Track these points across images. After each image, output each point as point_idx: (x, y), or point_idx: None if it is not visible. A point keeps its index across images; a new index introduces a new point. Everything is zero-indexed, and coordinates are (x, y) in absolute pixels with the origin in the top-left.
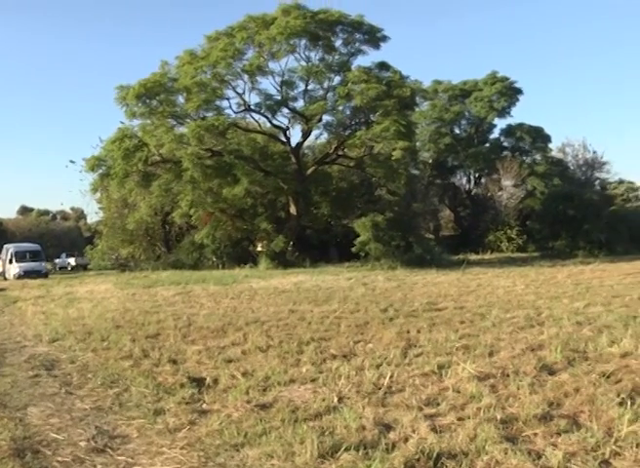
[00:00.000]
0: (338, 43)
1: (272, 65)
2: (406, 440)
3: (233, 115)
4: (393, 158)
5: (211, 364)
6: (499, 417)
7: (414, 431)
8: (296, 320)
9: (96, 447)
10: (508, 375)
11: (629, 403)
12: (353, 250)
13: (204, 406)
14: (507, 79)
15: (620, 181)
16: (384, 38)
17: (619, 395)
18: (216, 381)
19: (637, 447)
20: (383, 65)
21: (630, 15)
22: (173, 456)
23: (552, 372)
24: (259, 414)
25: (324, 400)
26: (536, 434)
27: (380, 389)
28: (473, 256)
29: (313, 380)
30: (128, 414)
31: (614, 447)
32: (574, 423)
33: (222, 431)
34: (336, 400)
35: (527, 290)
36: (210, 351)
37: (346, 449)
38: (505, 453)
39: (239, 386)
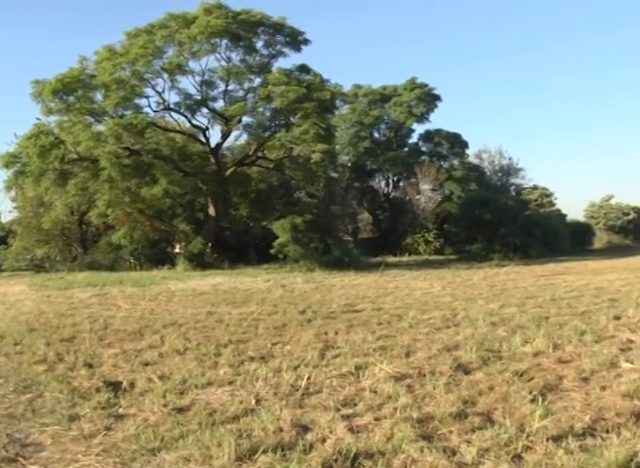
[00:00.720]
0: (259, 44)
1: (193, 65)
2: (323, 441)
3: (152, 114)
4: (312, 161)
5: (127, 367)
6: (415, 416)
7: (331, 432)
8: (214, 322)
9: (7, 456)
10: (425, 375)
11: (541, 399)
12: (272, 251)
13: (120, 410)
14: (426, 85)
15: (535, 187)
16: (306, 41)
17: (531, 392)
18: (132, 385)
19: (547, 441)
20: (304, 68)
21: (543, 24)
22: (88, 464)
23: (467, 372)
24: (176, 418)
25: (242, 402)
26: (451, 431)
27: (297, 391)
28: (391, 259)
29: (231, 383)
30: (41, 421)
31: (525, 441)
32: (488, 420)
33: (139, 436)
34: (253, 402)
35: (443, 291)
36: (126, 354)
37: (264, 452)
38: (421, 452)
39: (156, 390)
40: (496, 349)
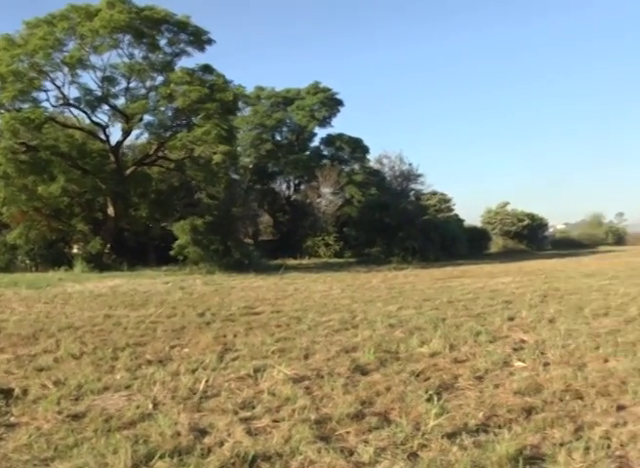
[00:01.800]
0: (162, 42)
1: (94, 59)
2: (221, 444)
3: (51, 109)
4: (214, 162)
5: (20, 373)
6: (313, 418)
7: (229, 435)
8: (111, 325)
9: None
10: (323, 377)
11: (436, 398)
12: (172, 253)
13: (12, 419)
14: (329, 90)
15: (434, 193)
16: (210, 41)
17: (427, 392)
18: (25, 392)
19: (442, 438)
20: (207, 68)
21: (444, 32)
22: None
23: (365, 373)
24: (70, 425)
25: (138, 407)
26: (348, 432)
27: (195, 394)
28: (291, 261)
29: (128, 387)
30: None
31: (421, 439)
32: (385, 420)
33: (31, 445)
34: (151, 406)
35: (343, 294)
36: (20, 360)
37: (161, 457)
38: (319, 453)
39: (50, 396)
40: (393, 350)
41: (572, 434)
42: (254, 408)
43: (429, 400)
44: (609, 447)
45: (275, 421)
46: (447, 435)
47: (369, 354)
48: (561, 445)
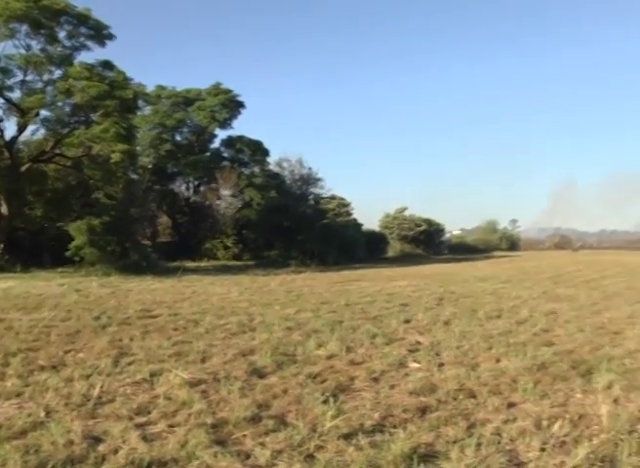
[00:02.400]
0: (61, 34)
1: None
2: (116, 451)
3: None
4: (112, 161)
5: None
6: (209, 422)
7: (124, 442)
8: (2, 329)
9: None
10: (220, 380)
11: (333, 400)
12: (68, 254)
13: None
14: (230, 91)
15: (333, 197)
16: (110, 36)
17: (323, 394)
18: None
19: (339, 439)
20: (107, 64)
21: (352, 43)
22: None
23: (262, 376)
24: None
25: (30, 415)
26: (245, 435)
27: (89, 400)
28: (190, 264)
29: (19, 395)
30: None
31: (318, 441)
32: (281, 422)
33: None
34: (43, 414)
35: (241, 297)
36: None
37: (53, 467)
38: (215, 457)
39: None
40: (291, 353)
41: (464, 431)
42: (149, 413)
43: (326, 402)
44: (499, 442)
45: (171, 426)
46: (343, 436)
47: (266, 357)
48: (454, 442)
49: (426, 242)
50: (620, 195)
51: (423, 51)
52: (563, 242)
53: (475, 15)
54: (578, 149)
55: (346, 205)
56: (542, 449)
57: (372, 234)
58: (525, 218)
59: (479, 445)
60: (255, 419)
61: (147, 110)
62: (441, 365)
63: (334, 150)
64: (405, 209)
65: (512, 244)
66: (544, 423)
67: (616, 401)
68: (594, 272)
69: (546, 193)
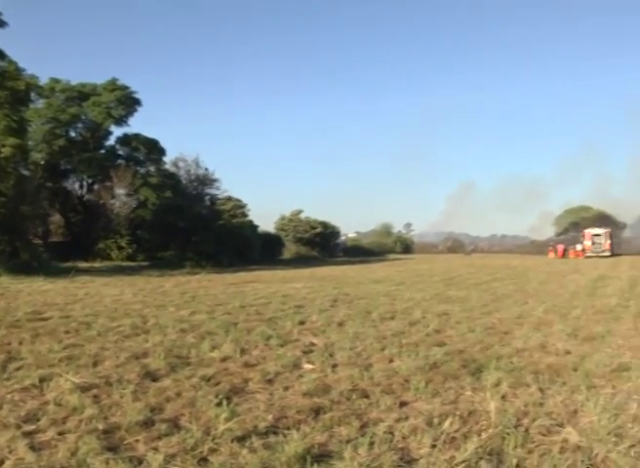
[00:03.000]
0: None
1: None
2: (2, 462)
3: None
4: (2, 155)
5: None
6: (101, 428)
7: (11, 452)
8: None
9: None
10: (112, 385)
11: (226, 403)
12: None
13: None
14: (127, 88)
15: (229, 198)
16: (2, 23)
17: (217, 396)
18: None
19: (233, 442)
20: None
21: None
22: None
23: (155, 379)
24: None
25: None
26: (137, 440)
27: None
28: (83, 264)
29: None
30: None
31: (211, 444)
32: (175, 426)
33: None
34: None
35: (134, 298)
36: None
37: None
38: (107, 464)
39: None
40: (184, 355)
41: (357, 431)
42: (38, 420)
43: (220, 404)
44: (392, 440)
45: (61, 434)
46: (237, 438)
47: (159, 359)
48: (347, 441)
49: (322, 244)
50: (514, 200)
51: (325, 49)
52: (456, 245)
53: (368, 16)
54: (478, 156)
55: (242, 206)
56: (433, 446)
57: (267, 236)
58: (423, 222)
59: (372, 443)
60: (147, 423)
61: (40, 104)
62: (335, 365)
63: (231, 151)
64: (301, 211)
65: (406, 247)
66: (435, 420)
67: (503, 397)
68: (485, 275)
69: (445, 198)
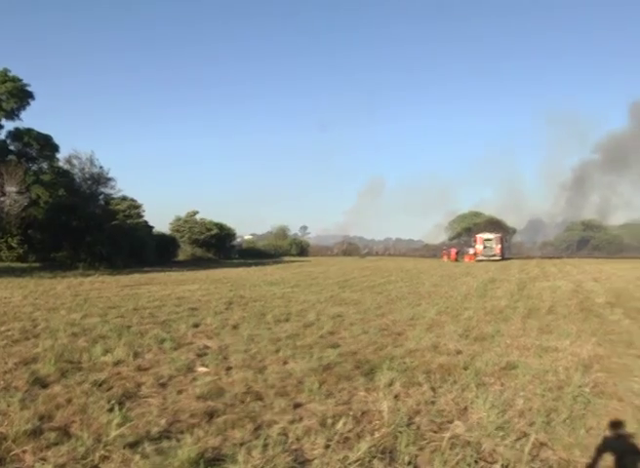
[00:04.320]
0: None
1: None
2: None
3: None
4: None
5: None
6: None
7: None
8: None
9: None
10: None
11: (118, 408)
12: None
13: None
14: (20, 80)
15: (124, 198)
16: None
17: (109, 402)
18: None
19: (124, 448)
20: None
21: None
22: None
23: (45, 385)
24: None
25: None
26: (25, 451)
27: None
28: None
29: None
30: None
31: (103, 451)
32: (65, 434)
33: None
34: None
35: (25, 301)
36: None
37: None
38: None
39: None
40: (76, 360)
41: (251, 433)
42: None
43: (112, 410)
44: (286, 442)
45: None
46: (129, 444)
47: (50, 365)
48: (241, 444)
49: (218, 246)
50: (423, 200)
51: (218, 41)
52: (351, 249)
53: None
54: (389, 155)
55: (137, 206)
56: (327, 446)
57: (163, 237)
58: (314, 226)
59: (266, 446)
60: (36, 433)
61: None
62: (229, 368)
63: (125, 150)
64: (196, 212)
65: (302, 250)
66: (329, 421)
67: (396, 397)
68: (379, 277)
69: (346, 203)
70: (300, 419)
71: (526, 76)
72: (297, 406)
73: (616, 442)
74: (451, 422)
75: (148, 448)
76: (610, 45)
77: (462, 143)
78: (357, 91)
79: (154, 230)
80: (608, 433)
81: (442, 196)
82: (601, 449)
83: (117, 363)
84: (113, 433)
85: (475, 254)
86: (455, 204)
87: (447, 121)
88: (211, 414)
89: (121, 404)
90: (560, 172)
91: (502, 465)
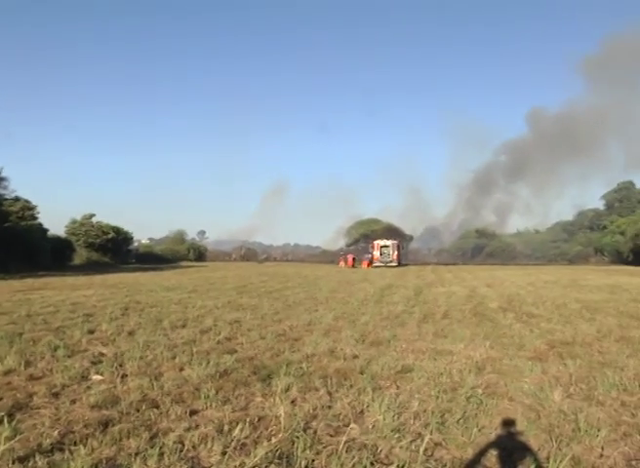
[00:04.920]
0: None
1: None
2: None
3: None
4: None
5: None
6: None
7: None
8: None
9: None
10: None
11: (8, 420)
12: None
13: None
14: None
15: (17, 199)
16: None
17: None
18: None
19: (14, 463)
20: None
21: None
22: None
23: None
24: None
25: None
26: None
27: None
28: None
29: None
30: None
31: None
32: None
33: None
34: None
35: None
36: None
37: None
38: None
39: None
40: None
41: (147, 442)
42: None
43: (1, 422)
44: (182, 450)
45: None
46: (19, 458)
47: None
48: (136, 454)
49: (114, 250)
50: (326, 204)
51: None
52: (249, 254)
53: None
54: (292, 158)
55: (32, 208)
56: (224, 453)
57: (58, 240)
58: (212, 231)
59: (162, 454)
60: None
61: None
62: (124, 376)
63: (19, 149)
64: (93, 215)
65: (200, 254)
66: (226, 428)
67: (293, 402)
68: (277, 283)
69: (248, 207)
70: (197, 426)
71: (431, 82)
72: (193, 412)
73: (507, 439)
74: (347, 426)
75: (40, 461)
76: (510, 58)
77: (369, 148)
78: (266, 92)
79: (49, 233)
80: (499, 431)
81: (346, 201)
82: (492, 447)
83: (7, 372)
84: (2, 447)
85: (371, 261)
86: (360, 209)
87: (351, 125)
88: (105, 424)
89: (11, 415)
90: (462, 180)
91: (398, 466)
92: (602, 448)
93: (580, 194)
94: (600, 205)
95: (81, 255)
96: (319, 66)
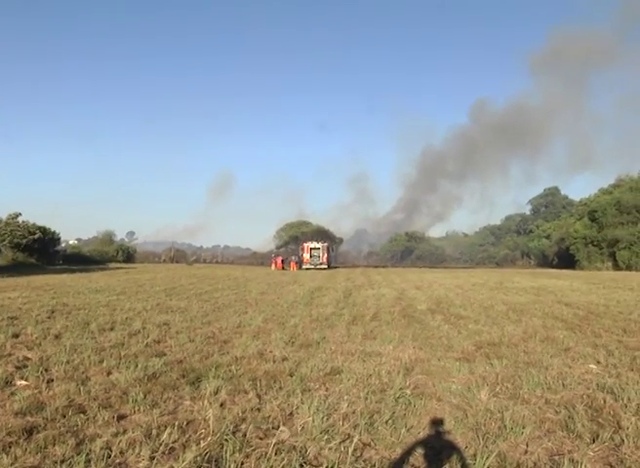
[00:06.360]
0: None
1: None
2: None
3: None
4: None
5: None
6: None
7: None
8: None
9: None
10: None
11: None
12: None
13: None
14: None
15: None
16: None
17: None
18: None
19: None
20: None
21: None
22: None
23: None
24: None
25: None
26: None
27: None
28: None
29: None
30: None
31: None
32: None
33: None
34: None
35: None
36: None
37: None
38: None
39: None
40: None
41: (73, 449)
42: None
43: None
44: (109, 456)
45: None
46: None
47: None
48: (62, 462)
49: (40, 251)
50: (260, 211)
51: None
52: (179, 255)
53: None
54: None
55: None
56: (152, 458)
57: None
58: (142, 231)
59: (89, 461)
60: None
61: None
62: (50, 381)
63: None
64: (19, 214)
65: (129, 256)
66: (154, 432)
67: (222, 405)
68: (207, 285)
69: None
70: (125, 431)
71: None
72: (121, 417)
73: (435, 438)
74: (277, 428)
75: None
76: (453, 55)
77: (317, 146)
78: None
79: None
80: (428, 431)
81: (293, 201)
82: (421, 446)
83: None
84: None
85: (299, 263)
86: (304, 209)
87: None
88: (30, 431)
89: None
90: (405, 178)
91: (327, 467)
92: (527, 445)
93: (523, 193)
94: (527, 210)
95: (6, 256)
96: (273, 66)
